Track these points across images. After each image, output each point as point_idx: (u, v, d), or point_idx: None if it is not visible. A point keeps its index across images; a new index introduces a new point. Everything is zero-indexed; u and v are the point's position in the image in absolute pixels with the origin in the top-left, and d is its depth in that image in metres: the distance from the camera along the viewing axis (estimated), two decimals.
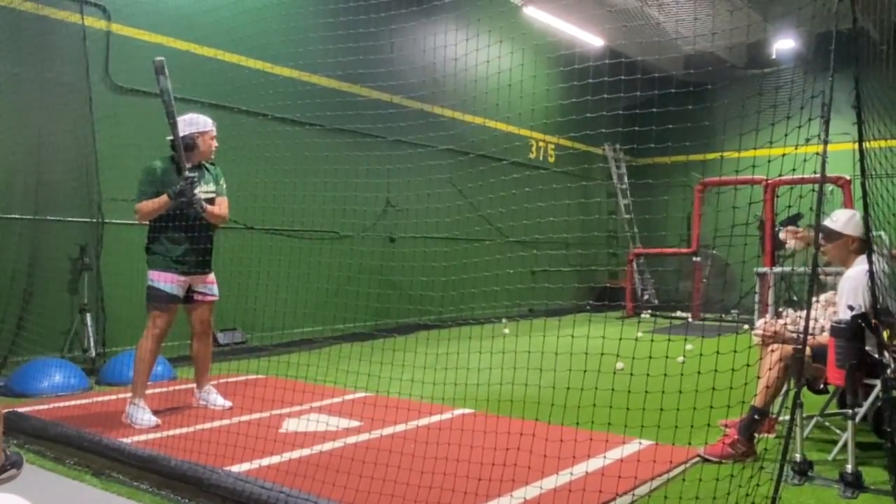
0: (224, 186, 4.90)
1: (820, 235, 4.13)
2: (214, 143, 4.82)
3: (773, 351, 3.92)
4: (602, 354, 3.22)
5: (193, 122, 4.75)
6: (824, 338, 3.98)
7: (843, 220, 4.05)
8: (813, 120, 2.76)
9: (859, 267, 3.96)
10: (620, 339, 3.39)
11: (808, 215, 3.03)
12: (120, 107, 6.78)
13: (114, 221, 6.59)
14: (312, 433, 4.24)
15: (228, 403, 4.96)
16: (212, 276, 4.90)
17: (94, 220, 6.56)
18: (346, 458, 3.57)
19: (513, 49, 4.74)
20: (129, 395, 4.60)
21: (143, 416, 4.47)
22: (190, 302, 4.82)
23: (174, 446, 3.80)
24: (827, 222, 4.07)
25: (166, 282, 4.60)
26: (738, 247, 3.35)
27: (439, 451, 3.58)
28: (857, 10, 2.66)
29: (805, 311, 3.18)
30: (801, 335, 3.92)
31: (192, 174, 4.54)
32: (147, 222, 4.69)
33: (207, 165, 4.85)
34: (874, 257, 3.19)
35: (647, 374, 3.10)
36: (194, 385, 5.06)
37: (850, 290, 3.87)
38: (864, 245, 3.99)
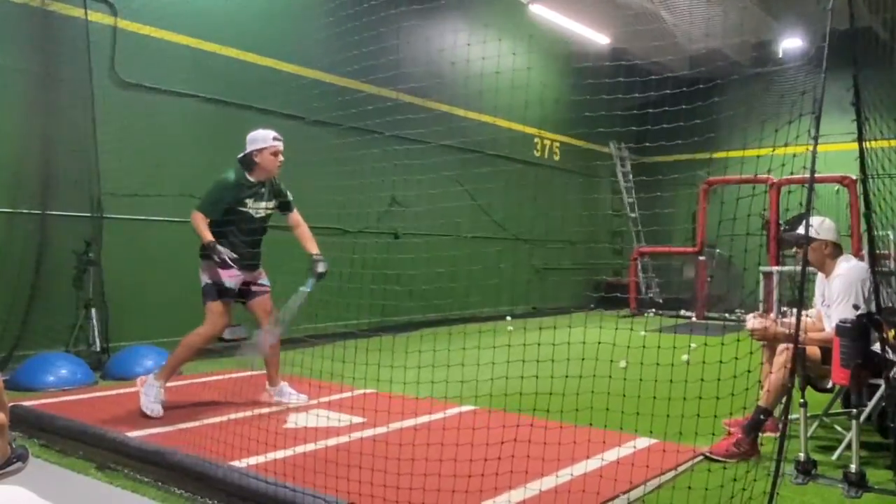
0: (290, 198, 5.02)
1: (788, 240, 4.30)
2: (279, 159, 4.84)
3: (781, 353, 3.92)
4: (609, 353, 3.23)
5: (252, 140, 4.80)
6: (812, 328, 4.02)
7: (815, 225, 4.13)
8: (804, 117, 2.76)
9: (846, 264, 4.04)
10: (624, 336, 3.39)
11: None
12: (125, 102, 6.80)
13: (118, 217, 6.61)
14: (316, 429, 4.25)
15: (304, 397, 5.02)
16: (261, 269, 5.02)
17: (96, 215, 6.57)
18: (350, 454, 3.57)
19: (518, 47, 4.74)
20: (155, 372, 4.66)
21: (154, 402, 4.54)
22: (247, 296, 4.91)
23: (179, 441, 3.81)
24: (800, 229, 4.19)
25: (225, 276, 4.71)
26: (743, 245, 3.35)
27: (444, 447, 3.58)
28: (854, 8, 2.65)
29: (802, 310, 3.19)
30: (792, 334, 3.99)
31: (221, 255, 4.58)
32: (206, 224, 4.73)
33: (274, 181, 4.90)
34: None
35: (654, 377, 3.10)
36: (267, 385, 5.09)
37: (844, 287, 3.95)
38: (838, 248, 4.12)
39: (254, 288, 4.93)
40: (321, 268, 4.84)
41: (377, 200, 8.95)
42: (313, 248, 4.94)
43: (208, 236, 4.60)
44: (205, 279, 4.73)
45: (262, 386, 5.12)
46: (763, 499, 2.75)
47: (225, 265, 4.60)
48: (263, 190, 4.83)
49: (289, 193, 5.02)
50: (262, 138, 4.80)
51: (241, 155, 4.81)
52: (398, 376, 4.37)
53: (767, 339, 4.17)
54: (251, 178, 4.79)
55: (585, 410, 3.29)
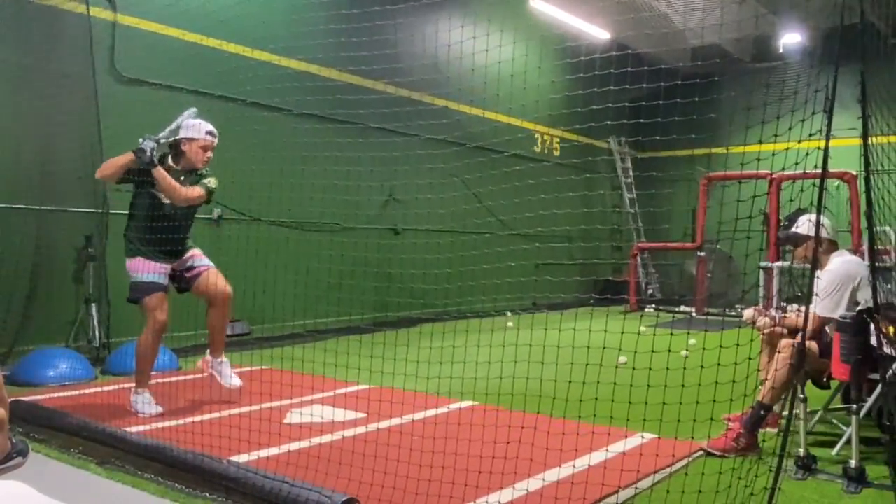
0: (208, 185, 4.66)
1: (784, 238, 4.37)
2: (207, 154, 4.67)
3: (781, 350, 3.92)
4: (605, 349, 3.22)
5: (185, 127, 4.67)
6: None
7: (807, 224, 4.18)
8: (817, 114, 2.75)
9: (839, 259, 4.11)
10: (623, 332, 3.39)
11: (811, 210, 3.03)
12: (125, 97, 6.79)
13: (119, 212, 6.60)
14: (317, 424, 4.25)
15: (238, 382, 4.91)
16: (193, 251, 4.80)
17: (100, 211, 6.57)
18: (349, 450, 3.58)
19: (518, 42, 4.73)
20: (134, 385, 4.62)
21: (147, 405, 4.50)
22: (185, 283, 4.76)
23: (178, 436, 3.82)
24: (794, 228, 4.22)
25: (144, 271, 4.57)
26: (743, 241, 3.35)
27: (442, 443, 3.59)
28: (865, 3, 2.64)
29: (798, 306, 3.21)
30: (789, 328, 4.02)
31: (152, 137, 4.46)
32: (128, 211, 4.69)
33: (204, 172, 4.74)
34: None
35: (650, 369, 3.10)
36: (208, 352, 4.99)
37: (828, 282, 3.98)
38: (833, 245, 4.14)
39: (187, 275, 4.75)
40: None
41: (377, 196, 8.95)
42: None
43: (127, 153, 4.47)
44: (131, 277, 4.60)
45: (266, 381, 5.10)
46: (764, 495, 2.75)
47: (143, 154, 4.37)
48: (183, 178, 4.63)
49: (209, 183, 4.67)
50: (195, 129, 4.64)
51: (171, 140, 4.65)
52: (398, 372, 4.38)
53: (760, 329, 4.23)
54: (174, 165, 4.65)
55: (586, 406, 3.30)
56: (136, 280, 4.59)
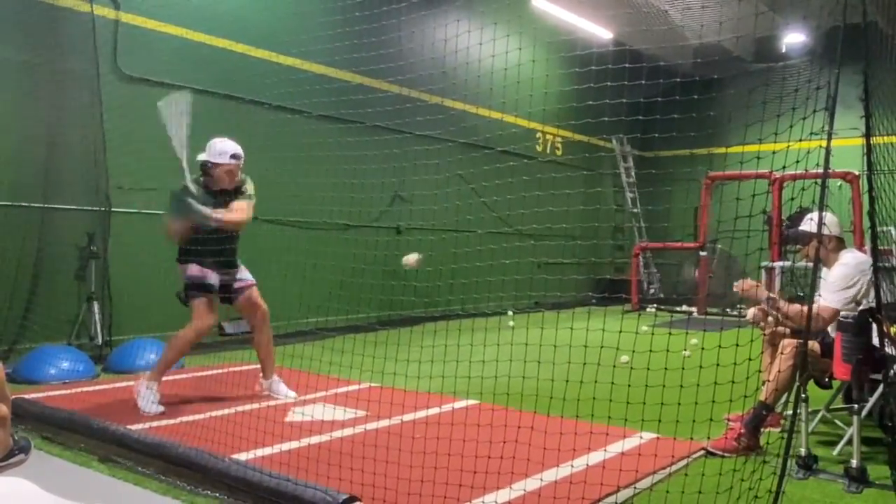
0: (248, 192, 4.81)
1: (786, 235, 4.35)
2: (234, 177, 4.76)
3: (783, 352, 3.92)
4: (605, 347, 3.22)
5: (211, 151, 4.73)
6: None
7: (811, 222, 4.17)
8: (818, 112, 2.75)
9: (850, 255, 4.11)
10: (621, 332, 3.39)
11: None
12: (128, 96, 6.80)
13: (121, 210, 6.61)
14: (318, 422, 4.26)
15: (293, 394, 5.00)
16: (240, 268, 4.98)
17: (102, 209, 6.58)
18: (350, 449, 3.58)
19: (521, 41, 4.72)
20: (138, 379, 4.65)
21: (151, 402, 4.53)
22: (233, 293, 4.89)
23: (181, 433, 3.83)
24: (803, 226, 4.21)
25: (197, 272, 4.69)
26: (745, 241, 3.34)
27: (443, 442, 3.59)
28: (867, 2, 2.64)
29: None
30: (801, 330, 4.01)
31: (187, 194, 4.58)
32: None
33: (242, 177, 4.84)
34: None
35: (649, 368, 3.10)
36: (260, 376, 5.11)
37: (842, 275, 3.97)
38: (841, 242, 4.13)
39: (235, 285, 4.89)
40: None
41: (380, 195, 8.95)
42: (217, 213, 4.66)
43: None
44: (186, 278, 4.71)
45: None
46: (768, 497, 2.75)
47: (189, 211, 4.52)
48: (220, 196, 4.74)
49: (247, 187, 4.82)
50: (220, 153, 4.72)
51: (201, 159, 4.76)
52: (400, 371, 4.38)
53: (751, 297, 4.18)
54: (209, 186, 4.77)
55: (587, 405, 3.30)
56: (188, 281, 4.70)
